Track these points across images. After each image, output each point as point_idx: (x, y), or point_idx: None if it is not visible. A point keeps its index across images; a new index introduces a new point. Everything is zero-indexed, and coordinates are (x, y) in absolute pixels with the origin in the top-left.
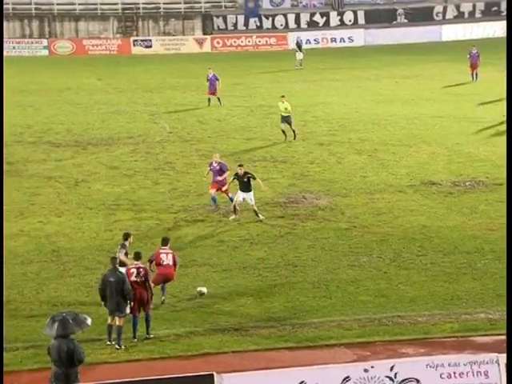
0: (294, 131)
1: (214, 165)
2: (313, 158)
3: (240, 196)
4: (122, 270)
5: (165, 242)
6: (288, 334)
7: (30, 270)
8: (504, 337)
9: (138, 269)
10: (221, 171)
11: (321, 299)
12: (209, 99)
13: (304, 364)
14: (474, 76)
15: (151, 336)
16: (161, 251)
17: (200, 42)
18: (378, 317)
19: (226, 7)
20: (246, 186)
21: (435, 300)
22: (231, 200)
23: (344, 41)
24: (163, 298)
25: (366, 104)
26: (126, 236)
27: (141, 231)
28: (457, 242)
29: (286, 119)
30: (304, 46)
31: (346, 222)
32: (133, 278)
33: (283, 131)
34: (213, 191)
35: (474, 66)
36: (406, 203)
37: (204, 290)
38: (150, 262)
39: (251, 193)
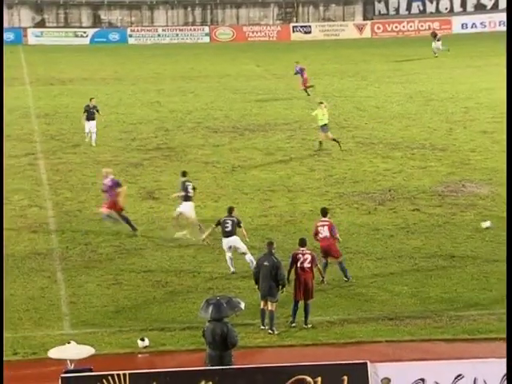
0: (335, 140)
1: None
2: (474, 146)
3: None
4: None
5: (324, 212)
6: (445, 326)
7: (187, 253)
8: None
9: (303, 255)
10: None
11: (480, 291)
12: (305, 90)
13: (462, 357)
14: None
15: (309, 326)
16: (318, 224)
17: (360, 28)
18: None
19: None
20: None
21: None
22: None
23: None
24: (323, 278)
25: None
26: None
27: (295, 217)
28: None
29: (323, 128)
30: (469, 31)
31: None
32: (299, 264)
33: (335, 139)
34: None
35: None
36: None
37: (488, 224)
38: (315, 235)
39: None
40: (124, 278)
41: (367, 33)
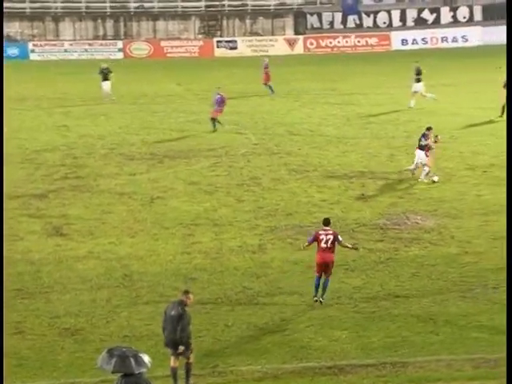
0: None
1: None
2: (418, 174)
3: None
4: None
5: (326, 221)
6: (388, 374)
7: (99, 297)
8: None
9: (326, 235)
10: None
11: (427, 335)
12: (213, 120)
13: None
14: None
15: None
16: (320, 232)
17: (291, 43)
18: (495, 357)
19: (321, 3)
20: None
21: None
22: None
23: (457, 40)
24: (321, 298)
25: (482, 112)
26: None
27: (222, 254)
28: None
29: None
30: (410, 47)
31: (456, 246)
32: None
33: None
34: None
35: None
36: None
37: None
38: (309, 244)
39: None
40: (27, 325)
41: (299, 48)
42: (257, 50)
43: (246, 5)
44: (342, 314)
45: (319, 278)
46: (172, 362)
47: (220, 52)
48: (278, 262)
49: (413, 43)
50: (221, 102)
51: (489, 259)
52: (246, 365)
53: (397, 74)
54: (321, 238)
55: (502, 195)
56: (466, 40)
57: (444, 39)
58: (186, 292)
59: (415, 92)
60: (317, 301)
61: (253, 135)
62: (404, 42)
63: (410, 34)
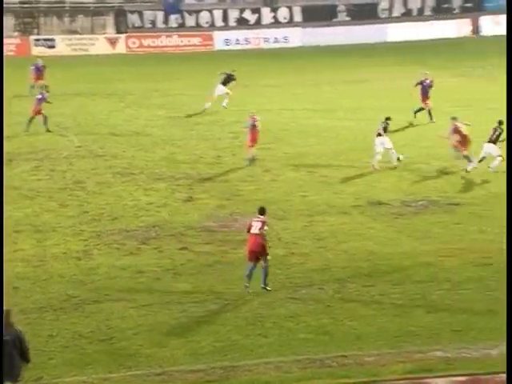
0: None
1: None
2: (245, 176)
3: None
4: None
5: (261, 210)
6: (218, 379)
7: None
8: (463, 378)
9: (257, 222)
10: None
11: (255, 337)
12: (31, 119)
13: None
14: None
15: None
16: (254, 219)
17: (112, 42)
18: (321, 357)
19: (142, 2)
20: None
21: (385, 337)
22: None
23: (278, 41)
24: (263, 285)
25: (304, 113)
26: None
27: (46, 261)
28: (408, 271)
29: None
30: (232, 47)
31: (282, 248)
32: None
33: None
34: None
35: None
36: (351, 226)
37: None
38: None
39: None
40: None
41: (121, 48)
42: (77, 48)
43: (64, 1)
44: (170, 319)
45: (253, 266)
46: None
47: (38, 51)
48: (105, 268)
49: (236, 43)
50: (41, 100)
51: (314, 260)
52: (71, 376)
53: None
54: (252, 224)
55: (326, 195)
56: (287, 41)
57: (266, 40)
58: (8, 311)
59: (218, 94)
60: (247, 287)
61: (75, 137)
62: (227, 42)
63: (232, 34)
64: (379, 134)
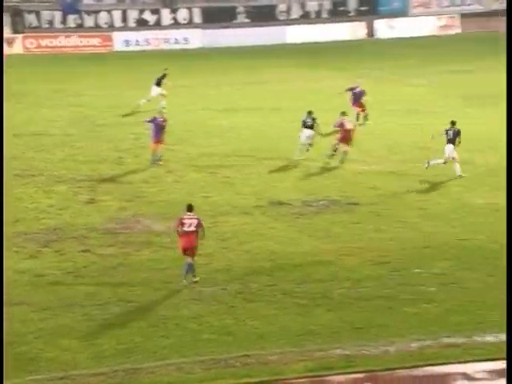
0: None
1: None
2: (147, 177)
3: None
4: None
5: (189, 207)
6: (121, 382)
7: None
8: (361, 375)
9: (190, 219)
10: None
11: (158, 339)
12: None
13: None
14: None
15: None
16: (184, 217)
17: (9, 42)
18: (224, 357)
19: (39, 1)
20: None
21: (287, 336)
22: None
23: (178, 42)
24: (193, 278)
25: (205, 114)
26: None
27: None
28: (310, 270)
29: None
30: (133, 48)
31: None
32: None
33: None
34: None
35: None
36: (253, 227)
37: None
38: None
39: None
40: None
41: (18, 48)
42: None
43: None
44: (73, 322)
45: (191, 262)
46: None
47: None
48: (5, 272)
49: (136, 44)
50: None
51: (218, 260)
52: None
53: (122, 75)
54: (184, 222)
55: (229, 196)
56: (188, 42)
57: (166, 41)
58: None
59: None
60: (185, 281)
61: None
62: (127, 42)
63: (132, 35)
64: (306, 127)
